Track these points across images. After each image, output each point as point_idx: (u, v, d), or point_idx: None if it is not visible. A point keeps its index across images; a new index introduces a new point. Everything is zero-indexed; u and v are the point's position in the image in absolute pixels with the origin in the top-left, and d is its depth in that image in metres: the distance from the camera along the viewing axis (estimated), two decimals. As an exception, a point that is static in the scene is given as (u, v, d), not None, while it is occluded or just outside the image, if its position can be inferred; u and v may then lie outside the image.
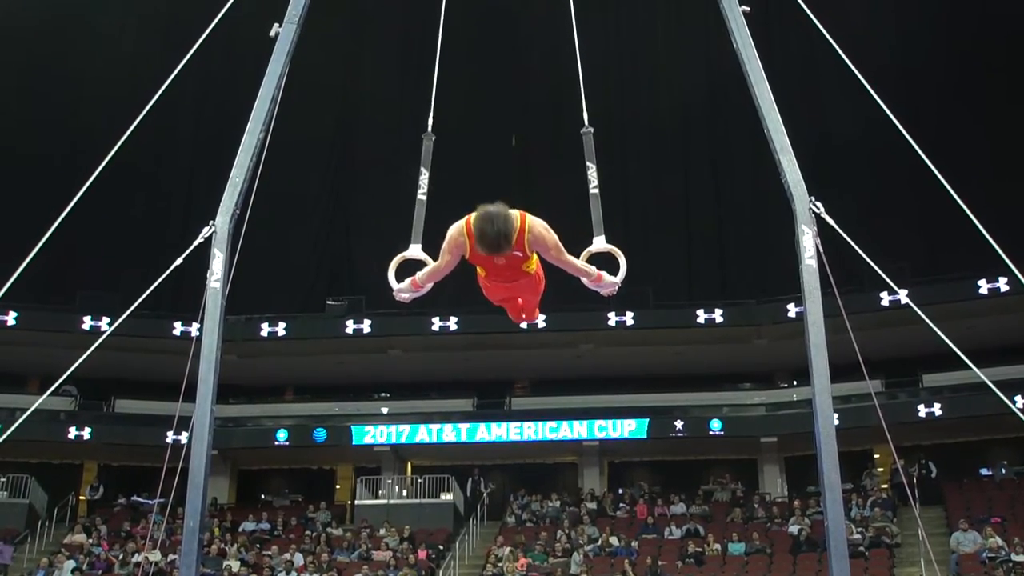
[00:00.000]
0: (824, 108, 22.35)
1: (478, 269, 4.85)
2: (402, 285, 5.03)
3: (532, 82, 24.08)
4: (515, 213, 4.49)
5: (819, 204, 5.70)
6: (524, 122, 24.23)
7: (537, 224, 4.62)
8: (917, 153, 6.27)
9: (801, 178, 5.78)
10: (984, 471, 21.60)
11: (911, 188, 19.66)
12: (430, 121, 5.60)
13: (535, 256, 4.73)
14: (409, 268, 5.17)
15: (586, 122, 5.55)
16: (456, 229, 4.63)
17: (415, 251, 5.13)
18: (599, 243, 5.10)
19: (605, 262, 5.13)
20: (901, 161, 15.11)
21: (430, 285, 4.99)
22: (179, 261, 5.93)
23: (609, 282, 4.96)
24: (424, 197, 5.41)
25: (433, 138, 5.61)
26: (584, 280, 4.99)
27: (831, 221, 5.66)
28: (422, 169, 5.44)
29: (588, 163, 5.41)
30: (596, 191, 5.35)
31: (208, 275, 5.75)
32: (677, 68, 24.28)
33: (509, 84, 24.10)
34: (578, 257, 4.99)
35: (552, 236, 4.66)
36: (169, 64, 6.87)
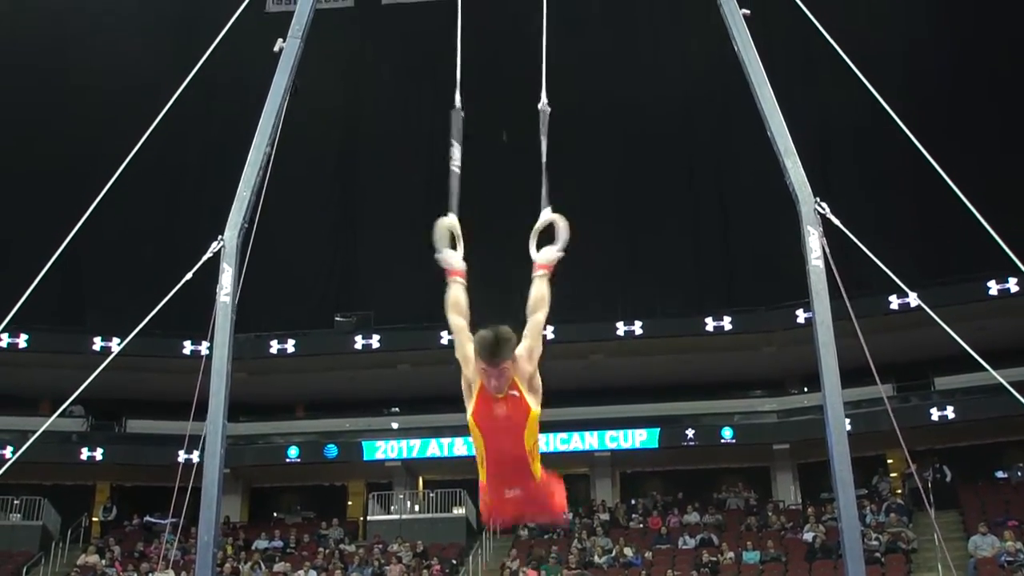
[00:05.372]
0: (828, 110, 22.30)
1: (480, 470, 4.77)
2: (449, 256, 4.99)
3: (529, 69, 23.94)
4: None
5: (824, 204, 5.69)
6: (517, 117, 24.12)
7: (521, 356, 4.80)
8: (923, 155, 6.25)
9: (806, 179, 5.77)
10: (999, 473, 21.46)
11: (916, 191, 19.59)
12: (457, 96, 5.70)
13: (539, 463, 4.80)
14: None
15: (545, 101, 5.66)
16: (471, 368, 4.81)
17: (452, 220, 5.16)
18: (546, 214, 5.09)
19: (551, 234, 5.12)
20: (907, 162, 15.06)
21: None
22: (188, 276, 5.95)
23: (554, 257, 4.97)
24: (458, 170, 5.51)
25: (462, 114, 5.70)
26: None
27: (836, 221, 5.65)
28: (453, 143, 5.55)
29: (542, 137, 5.52)
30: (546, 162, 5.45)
31: (217, 289, 5.77)
32: (678, 76, 24.25)
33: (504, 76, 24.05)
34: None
35: (534, 351, 4.97)
36: (175, 81, 6.91)
